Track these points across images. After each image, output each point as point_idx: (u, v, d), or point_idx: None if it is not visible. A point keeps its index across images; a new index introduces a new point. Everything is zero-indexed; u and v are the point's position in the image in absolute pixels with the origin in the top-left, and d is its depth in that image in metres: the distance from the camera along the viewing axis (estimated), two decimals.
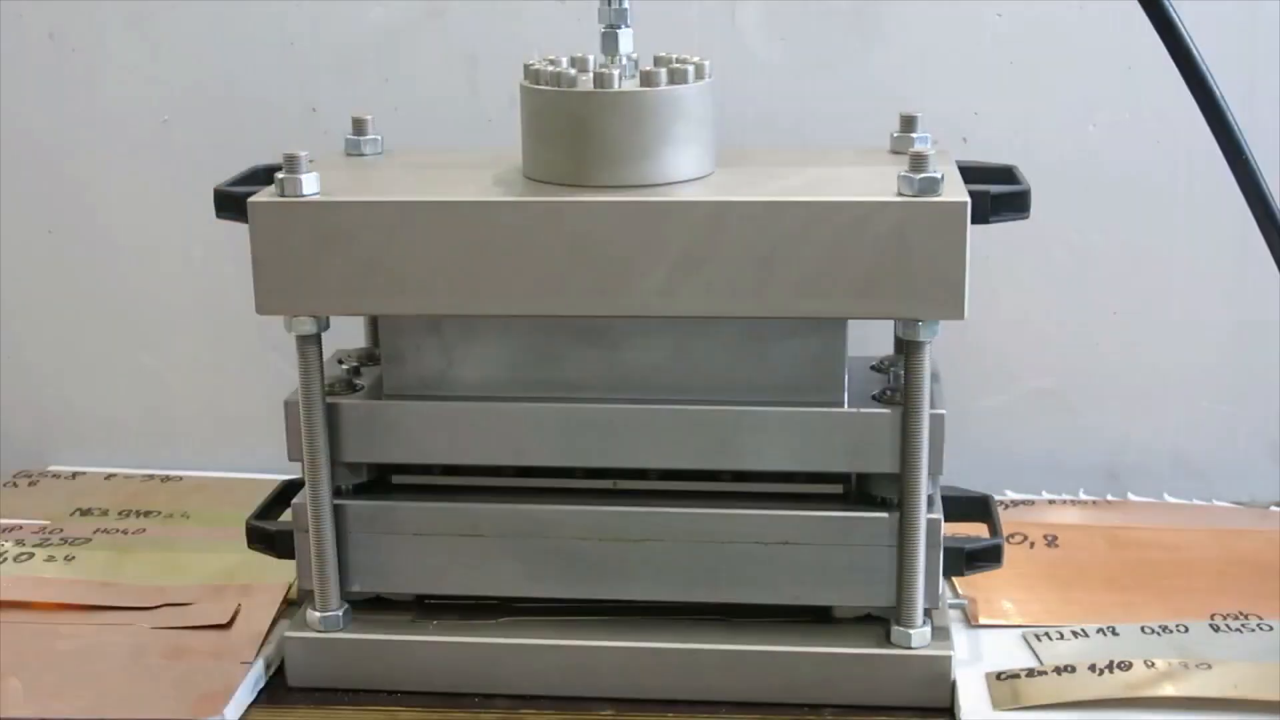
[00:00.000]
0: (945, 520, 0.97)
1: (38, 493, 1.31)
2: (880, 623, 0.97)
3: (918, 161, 0.88)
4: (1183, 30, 0.87)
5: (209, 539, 1.18)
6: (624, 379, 0.96)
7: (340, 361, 1.04)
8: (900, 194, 0.88)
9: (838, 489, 0.98)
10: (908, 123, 1.02)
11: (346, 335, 1.06)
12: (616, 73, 0.92)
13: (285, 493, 1.06)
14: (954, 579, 1.05)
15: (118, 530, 1.21)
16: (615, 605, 0.99)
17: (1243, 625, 1.02)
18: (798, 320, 0.94)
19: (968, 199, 0.88)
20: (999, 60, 1.20)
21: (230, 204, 0.94)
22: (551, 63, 0.95)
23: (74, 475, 1.35)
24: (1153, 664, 0.95)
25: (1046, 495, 1.25)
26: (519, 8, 1.23)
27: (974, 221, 0.88)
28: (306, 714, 0.97)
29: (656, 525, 0.96)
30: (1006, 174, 0.99)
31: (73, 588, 1.10)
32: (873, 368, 1.02)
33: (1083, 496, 1.25)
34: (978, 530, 1.03)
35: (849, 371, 0.97)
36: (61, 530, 1.21)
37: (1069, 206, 1.22)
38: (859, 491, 0.97)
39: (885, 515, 0.95)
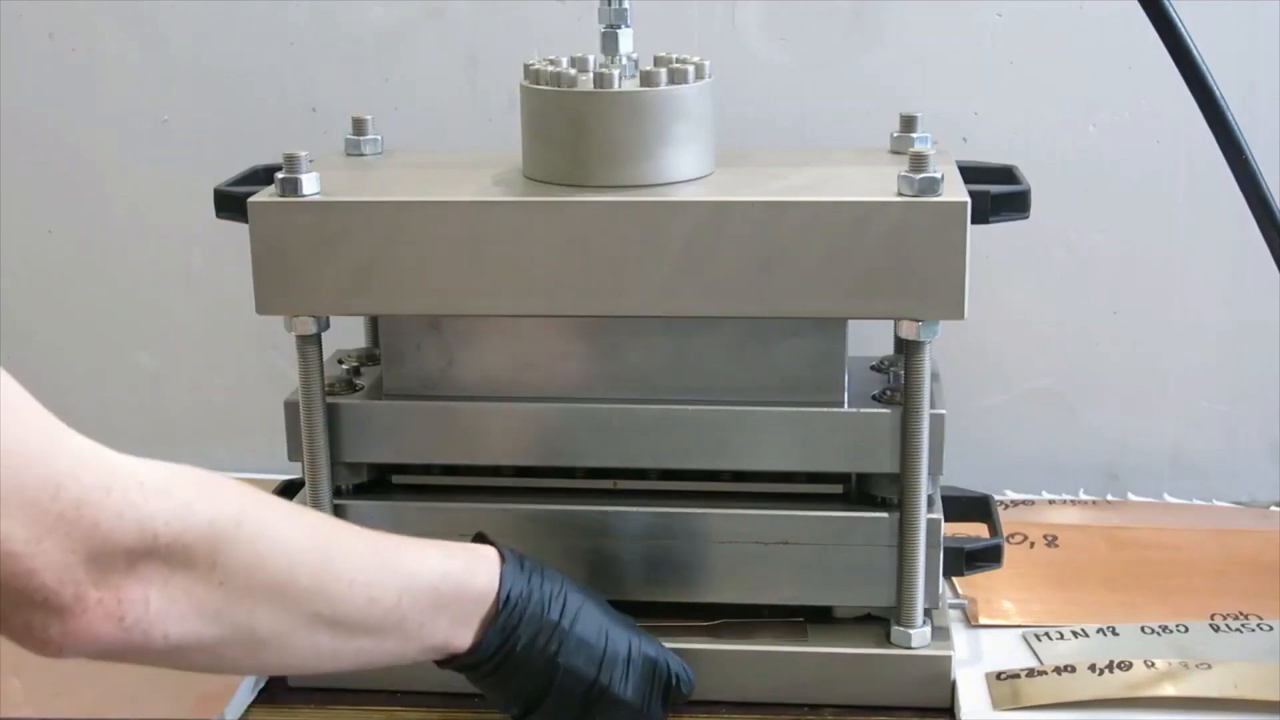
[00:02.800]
0: (945, 520, 0.97)
1: None
2: (880, 623, 0.97)
3: (918, 161, 0.88)
4: (1183, 30, 0.87)
5: None
6: (624, 379, 0.96)
7: (340, 361, 1.04)
8: (900, 194, 0.88)
9: (838, 489, 0.97)
10: (908, 123, 1.02)
11: (346, 335, 1.06)
12: (616, 73, 0.92)
13: (285, 493, 1.05)
14: (954, 579, 1.05)
15: None
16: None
17: (1243, 625, 1.01)
18: (798, 320, 0.93)
19: (968, 199, 0.88)
20: (999, 60, 1.20)
21: (230, 204, 0.94)
22: (551, 63, 0.95)
23: None
24: (1153, 664, 0.95)
25: (1046, 495, 1.25)
26: (519, 8, 1.22)
27: (974, 221, 0.88)
28: (306, 714, 0.97)
29: (656, 525, 0.96)
30: (1006, 174, 0.99)
31: None
32: (873, 368, 1.02)
33: (1083, 496, 1.25)
34: (978, 530, 1.03)
35: (849, 371, 0.97)
36: None
37: (1069, 206, 1.22)
38: (859, 491, 0.97)
39: (885, 515, 0.95)
